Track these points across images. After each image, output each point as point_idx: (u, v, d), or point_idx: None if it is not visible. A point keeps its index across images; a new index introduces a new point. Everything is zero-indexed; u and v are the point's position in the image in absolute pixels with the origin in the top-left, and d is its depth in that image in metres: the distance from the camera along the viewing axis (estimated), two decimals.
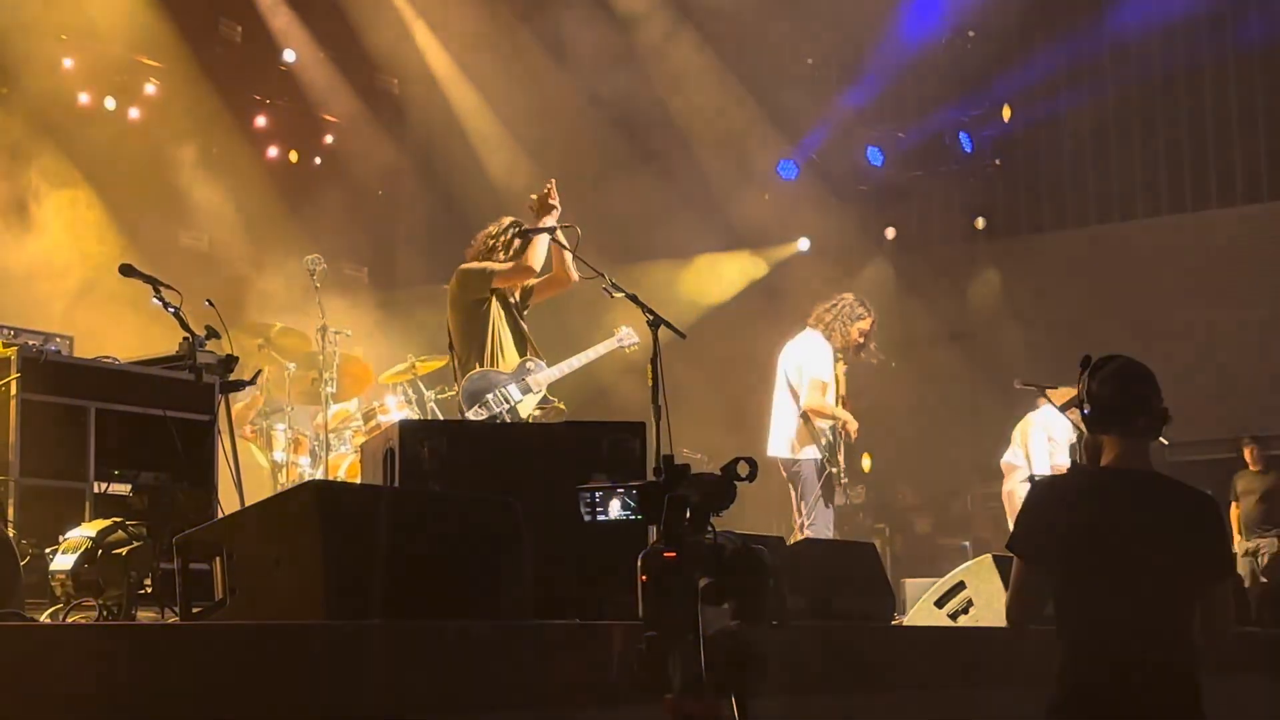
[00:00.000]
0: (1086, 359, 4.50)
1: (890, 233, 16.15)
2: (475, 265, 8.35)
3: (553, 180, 8.44)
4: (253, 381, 8.48)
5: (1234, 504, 13.28)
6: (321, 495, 5.68)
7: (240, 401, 10.04)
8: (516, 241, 8.33)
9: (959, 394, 15.79)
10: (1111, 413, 4.41)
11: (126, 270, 7.72)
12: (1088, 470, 4.49)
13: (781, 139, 15.68)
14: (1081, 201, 16.34)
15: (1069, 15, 15.84)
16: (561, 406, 8.77)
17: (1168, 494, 4.37)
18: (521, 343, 8.54)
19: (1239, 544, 12.90)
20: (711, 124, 15.27)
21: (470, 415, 8.11)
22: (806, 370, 10.27)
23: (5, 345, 6.82)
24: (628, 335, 9.03)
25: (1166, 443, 4.68)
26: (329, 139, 14.78)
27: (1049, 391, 10.65)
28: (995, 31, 15.43)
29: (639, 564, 3.51)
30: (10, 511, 6.28)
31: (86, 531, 5.67)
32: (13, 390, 6.49)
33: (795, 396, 10.27)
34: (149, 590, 5.70)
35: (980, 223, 16.38)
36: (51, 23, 12.49)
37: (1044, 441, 11.33)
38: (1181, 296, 14.79)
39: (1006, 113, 16.07)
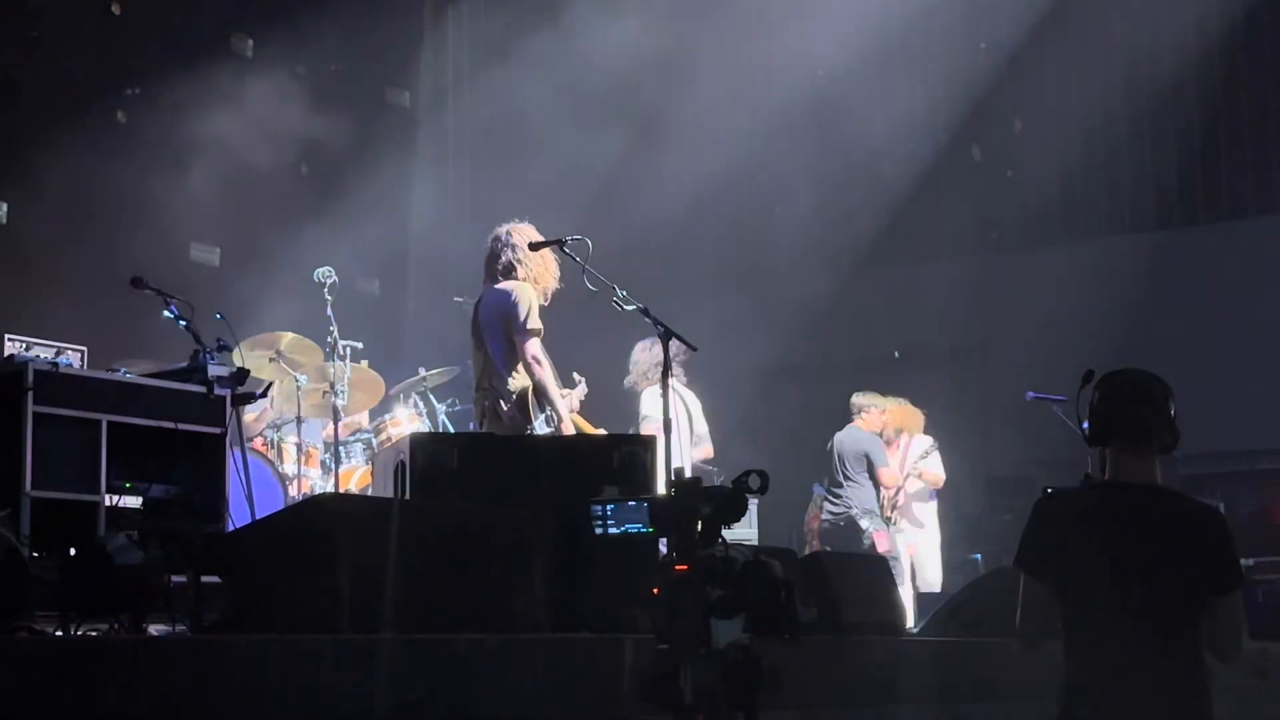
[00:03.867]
0: (1089, 374, 4.49)
1: None
2: (530, 311, 8.24)
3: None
4: (264, 394, 8.49)
5: None
6: (333, 508, 5.70)
7: (250, 414, 10.05)
8: (527, 251, 8.27)
9: (971, 407, 15.76)
10: (1107, 428, 4.39)
11: (137, 283, 7.76)
12: (1093, 485, 4.47)
13: (790, 150, 15.67)
14: (1094, 213, 16.31)
15: (1080, 25, 15.82)
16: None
17: (1171, 507, 4.35)
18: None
19: None
20: (720, 134, 15.26)
21: (539, 423, 8.09)
22: None
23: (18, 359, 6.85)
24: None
25: (1179, 455, 4.65)
26: (340, 151, 14.79)
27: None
28: (1006, 42, 15.42)
29: (652, 577, 3.51)
30: (22, 524, 6.28)
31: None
32: (26, 403, 6.50)
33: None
34: (161, 603, 5.70)
35: (993, 235, 16.39)
36: (64, 34, 12.54)
37: None
38: (1194, 308, 14.75)
39: (1018, 125, 16.07)
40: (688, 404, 10.71)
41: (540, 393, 8.14)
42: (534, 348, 8.15)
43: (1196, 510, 4.38)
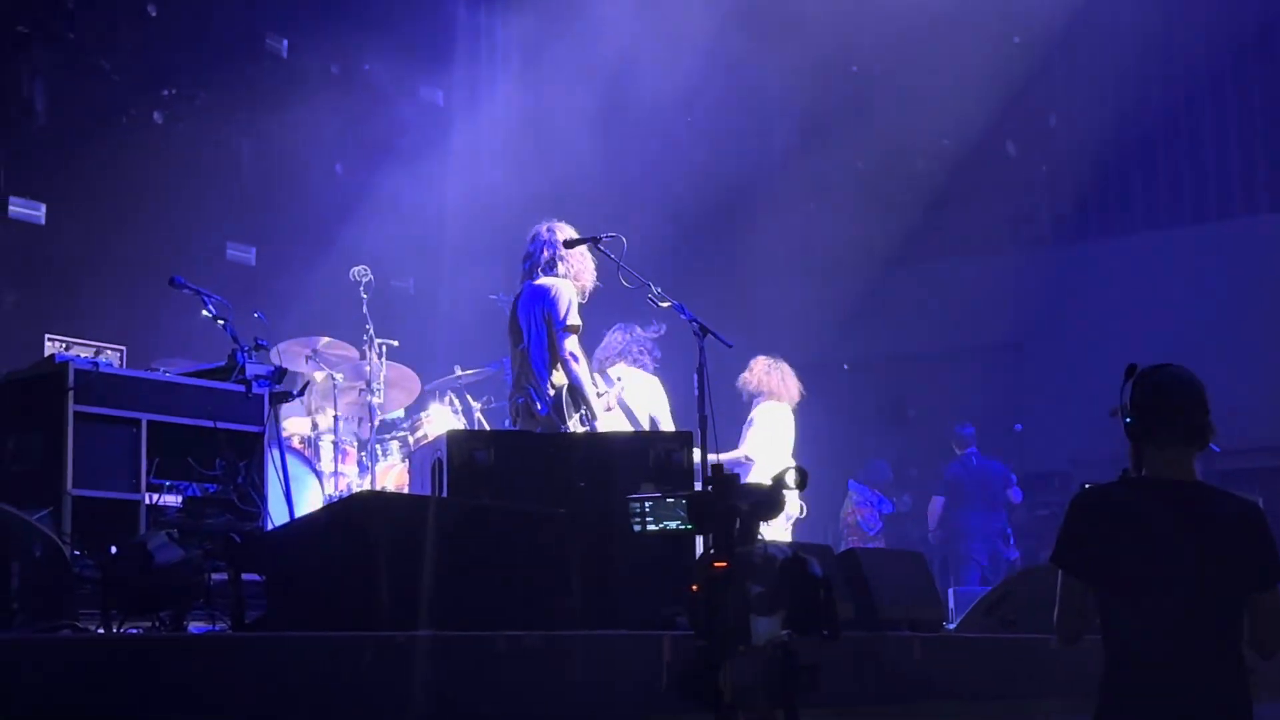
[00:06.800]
0: (1131, 368, 4.47)
1: None
2: (570, 307, 8.21)
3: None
4: (301, 393, 8.53)
5: None
6: (371, 506, 5.72)
7: (289, 416, 10.08)
8: (567, 249, 8.27)
9: (1007, 403, 15.73)
10: (1146, 424, 4.37)
11: (175, 283, 7.81)
12: (1129, 481, 4.45)
13: (824, 146, 15.65)
14: (1128, 208, 16.24)
15: (1114, 18, 15.76)
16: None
17: (1208, 503, 4.33)
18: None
19: None
20: (754, 130, 15.27)
21: (573, 422, 8.10)
22: None
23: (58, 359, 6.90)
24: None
25: (1218, 449, 4.62)
26: (374, 150, 14.84)
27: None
28: (1039, 36, 15.36)
29: (690, 574, 3.51)
30: (64, 523, 6.32)
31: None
32: (67, 403, 6.55)
33: None
34: (201, 601, 5.74)
35: (1027, 231, 16.35)
36: (100, 36, 12.63)
37: None
38: (1231, 302, 14.67)
39: (1052, 119, 16.03)
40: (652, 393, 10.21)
41: (575, 391, 8.14)
42: (572, 345, 8.15)
43: (1235, 505, 4.36)
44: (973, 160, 15.85)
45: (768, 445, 10.86)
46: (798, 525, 10.89)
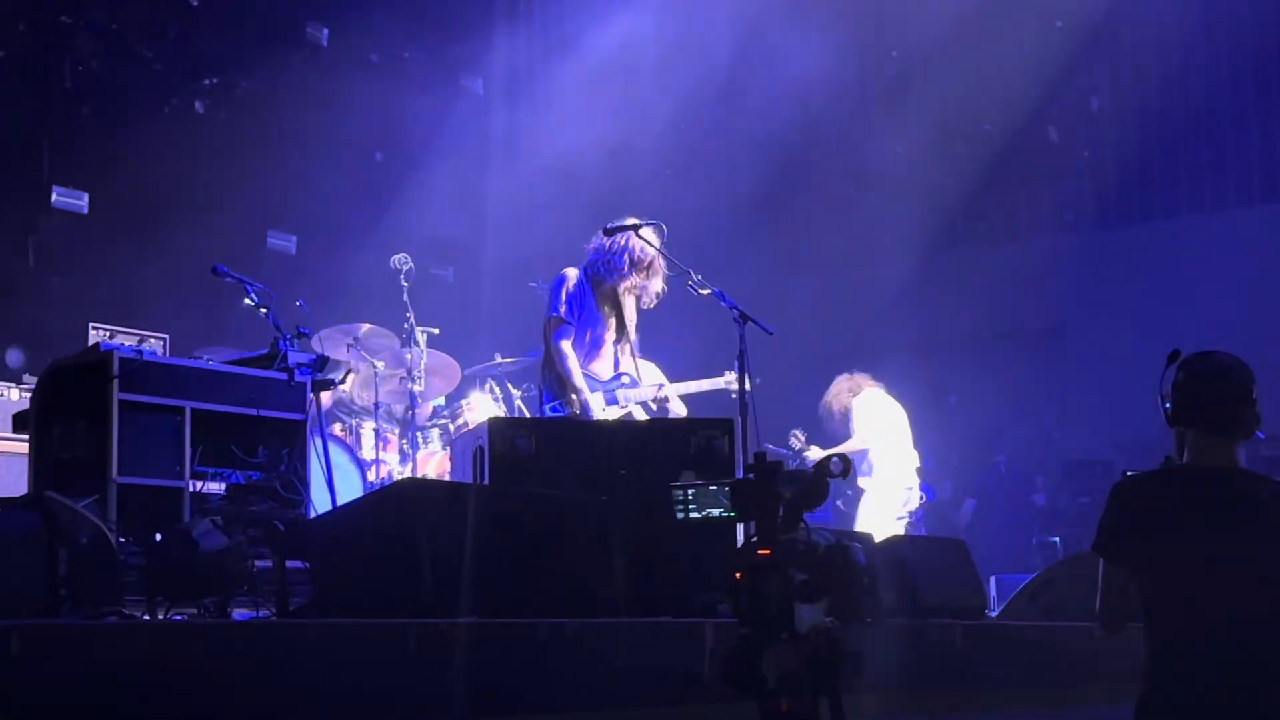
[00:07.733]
0: (1174, 354, 4.44)
1: None
2: (561, 299, 8.22)
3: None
4: (342, 381, 8.57)
5: None
6: (413, 493, 5.74)
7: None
8: (624, 241, 8.20)
9: (1048, 389, 15.66)
10: (1190, 410, 4.34)
11: (218, 271, 7.84)
12: (1170, 469, 4.41)
13: (863, 131, 15.60)
14: (1171, 193, 16.12)
15: (1157, 2, 15.66)
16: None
17: (1251, 490, 4.29)
18: (626, 358, 8.45)
19: None
20: (796, 120, 15.22)
21: (547, 409, 8.09)
22: None
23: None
24: (734, 381, 8.96)
25: (1263, 436, 4.59)
26: (414, 138, 14.89)
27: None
28: (1082, 21, 15.26)
29: (733, 561, 3.51)
30: (109, 510, 6.37)
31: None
32: (112, 392, 6.59)
33: None
34: (245, 588, 5.78)
35: (1069, 216, 16.26)
36: (142, 26, 12.71)
37: None
38: (1276, 286, 14.55)
39: (1095, 104, 15.92)
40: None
41: (564, 380, 8.10)
42: (556, 335, 8.11)
43: (1278, 492, 4.33)
44: (1015, 145, 15.77)
45: (873, 430, 11.15)
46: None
